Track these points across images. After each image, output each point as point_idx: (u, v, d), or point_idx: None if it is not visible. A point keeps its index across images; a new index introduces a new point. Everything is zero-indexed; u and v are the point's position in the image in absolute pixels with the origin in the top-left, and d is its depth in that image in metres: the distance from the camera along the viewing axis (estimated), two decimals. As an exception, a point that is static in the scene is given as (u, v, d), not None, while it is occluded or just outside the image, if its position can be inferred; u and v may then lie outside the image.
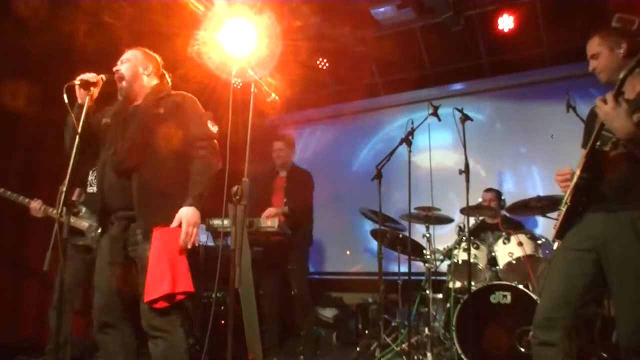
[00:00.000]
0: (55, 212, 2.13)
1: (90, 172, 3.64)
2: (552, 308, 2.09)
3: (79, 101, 2.36)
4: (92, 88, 2.33)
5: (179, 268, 2.31)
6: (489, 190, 4.79)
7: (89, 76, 2.35)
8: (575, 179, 2.15)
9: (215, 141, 2.52)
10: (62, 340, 3.21)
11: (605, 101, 2.00)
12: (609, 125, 2.01)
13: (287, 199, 4.41)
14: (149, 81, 2.59)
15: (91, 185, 3.64)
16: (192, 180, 2.41)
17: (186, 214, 2.34)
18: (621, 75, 2.00)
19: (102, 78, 2.40)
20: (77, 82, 2.33)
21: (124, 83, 2.51)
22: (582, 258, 2.12)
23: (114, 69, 2.54)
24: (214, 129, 2.52)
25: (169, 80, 2.69)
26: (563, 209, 2.23)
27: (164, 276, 2.26)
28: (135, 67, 2.56)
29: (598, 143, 2.10)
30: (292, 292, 4.32)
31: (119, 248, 2.40)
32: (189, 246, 2.35)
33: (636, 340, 1.96)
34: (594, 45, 2.28)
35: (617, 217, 2.07)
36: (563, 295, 2.09)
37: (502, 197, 4.73)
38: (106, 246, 2.44)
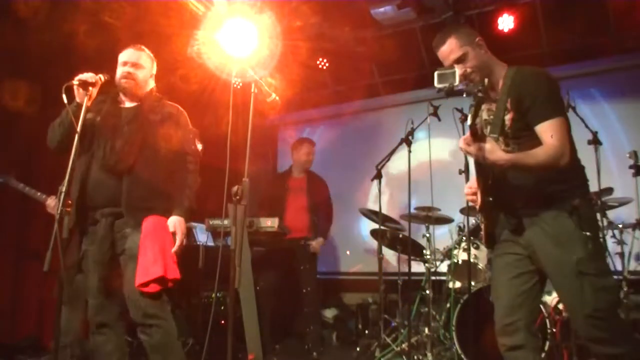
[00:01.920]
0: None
1: None
2: (508, 313, 2.09)
3: (78, 100, 2.36)
4: (90, 88, 2.34)
5: (169, 255, 2.40)
6: None
7: (88, 76, 2.36)
8: (481, 195, 2.10)
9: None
10: (69, 340, 3.22)
11: (468, 144, 1.93)
12: (486, 163, 1.95)
13: (310, 201, 4.60)
14: (150, 86, 2.67)
15: None
16: (183, 193, 2.54)
17: (180, 223, 2.48)
18: (469, 121, 1.89)
19: (100, 78, 2.41)
20: (75, 82, 2.33)
21: (127, 82, 2.54)
22: (517, 259, 2.12)
23: (128, 71, 2.56)
24: (199, 147, 2.73)
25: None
26: (481, 222, 2.20)
27: (156, 260, 2.32)
28: (150, 75, 2.65)
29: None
30: (304, 291, 4.36)
31: (107, 246, 2.41)
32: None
33: (589, 331, 1.98)
34: (456, 48, 2.13)
35: (536, 219, 2.06)
36: (513, 297, 2.09)
37: None
38: (93, 245, 2.44)
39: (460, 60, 2.15)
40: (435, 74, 2.08)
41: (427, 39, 5.50)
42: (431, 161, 4.25)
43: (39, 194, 3.58)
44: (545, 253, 2.03)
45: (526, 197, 2.08)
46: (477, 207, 2.12)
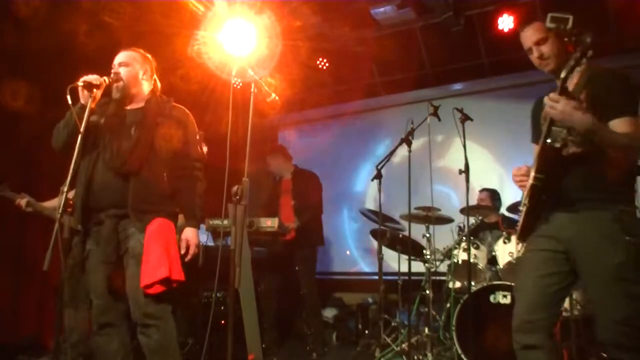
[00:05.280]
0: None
1: None
2: (530, 311, 2.06)
3: (82, 101, 2.36)
4: (95, 90, 2.33)
5: (173, 256, 2.39)
6: (481, 190, 4.81)
7: (92, 78, 2.35)
8: (531, 180, 2.09)
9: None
10: (75, 339, 3.23)
11: (556, 100, 1.92)
12: (568, 123, 1.93)
13: (294, 201, 4.51)
14: (146, 85, 2.63)
15: None
16: (195, 202, 2.57)
17: (192, 236, 2.52)
18: (563, 75, 1.91)
19: (104, 80, 2.40)
20: (80, 83, 2.33)
21: (121, 84, 2.52)
22: (551, 257, 2.09)
23: (113, 71, 2.54)
24: (205, 149, 2.75)
25: (158, 83, 2.73)
26: (522, 209, 2.17)
27: (161, 261, 2.32)
28: (136, 71, 2.58)
29: (548, 140, 2.03)
30: (301, 292, 4.36)
31: (112, 247, 2.41)
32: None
33: (615, 337, 1.95)
34: (539, 30, 2.13)
35: (581, 217, 2.03)
36: (538, 296, 2.06)
37: (498, 197, 4.74)
38: (97, 246, 2.43)
39: (538, 42, 2.15)
40: (549, 15, 2.06)
41: (427, 39, 5.51)
42: (431, 161, 4.25)
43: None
44: (585, 252, 2.01)
45: (576, 190, 2.05)
46: (525, 192, 2.11)
